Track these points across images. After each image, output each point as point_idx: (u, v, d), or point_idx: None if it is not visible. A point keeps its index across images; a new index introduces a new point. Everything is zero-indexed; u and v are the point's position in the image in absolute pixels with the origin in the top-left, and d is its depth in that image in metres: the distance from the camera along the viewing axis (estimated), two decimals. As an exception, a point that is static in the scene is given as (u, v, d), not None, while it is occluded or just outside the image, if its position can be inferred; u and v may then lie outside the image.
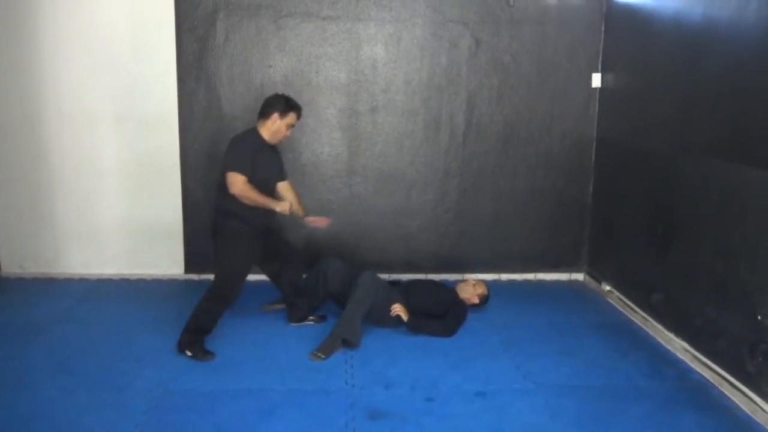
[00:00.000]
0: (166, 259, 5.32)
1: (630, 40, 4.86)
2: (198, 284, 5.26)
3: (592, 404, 3.44)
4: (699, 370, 3.81)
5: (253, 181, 3.95)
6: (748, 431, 3.23)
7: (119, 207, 5.22)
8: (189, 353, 3.87)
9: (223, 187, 3.98)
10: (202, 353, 3.89)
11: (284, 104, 4.06)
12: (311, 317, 4.43)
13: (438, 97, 5.25)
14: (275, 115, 4.03)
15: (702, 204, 3.85)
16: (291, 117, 4.09)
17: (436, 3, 5.11)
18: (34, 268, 5.27)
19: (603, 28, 5.22)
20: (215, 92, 5.11)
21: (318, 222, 4.39)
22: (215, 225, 4.09)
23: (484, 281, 4.82)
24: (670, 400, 3.50)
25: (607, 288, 5.07)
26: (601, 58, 5.26)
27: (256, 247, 4.14)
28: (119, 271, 5.32)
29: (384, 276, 5.20)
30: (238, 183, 3.89)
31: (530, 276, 5.57)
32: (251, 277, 5.34)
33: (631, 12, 4.78)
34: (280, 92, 4.27)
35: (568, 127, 5.36)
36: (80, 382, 3.55)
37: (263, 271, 4.52)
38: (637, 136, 4.69)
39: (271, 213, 4.09)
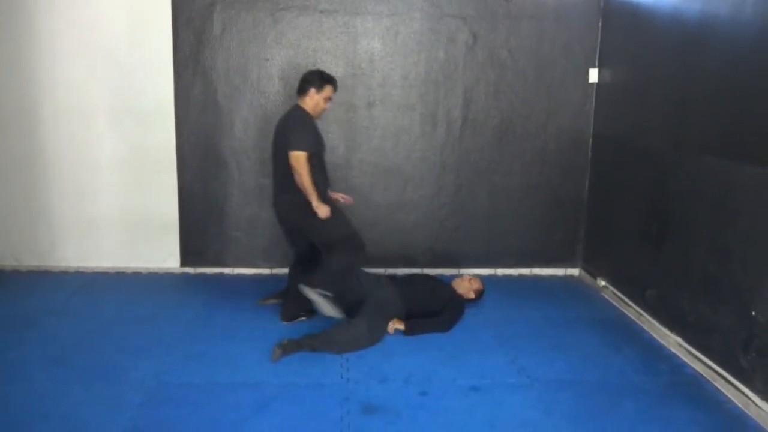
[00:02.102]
0: (162, 252, 5.32)
1: (627, 36, 4.86)
2: (194, 278, 5.27)
3: (586, 399, 3.45)
4: (693, 365, 3.83)
5: (316, 156, 4.15)
6: (740, 425, 3.24)
7: (115, 200, 5.21)
8: (324, 292, 4.09)
9: (286, 166, 4.10)
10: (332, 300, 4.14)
11: (319, 78, 4.22)
12: (302, 314, 4.41)
13: (435, 91, 5.25)
14: (312, 90, 4.19)
15: (697, 200, 3.86)
16: (328, 90, 4.24)
17: (433, -3, 5.11)
18: (29, 260, 5.27)
19: (600, 24, 5.22)
20: (212, 85, 5.10)
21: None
22: (289, 203, 4.21)
23: (479, 276, 4.82)
24: (663, 395, 3.51)
25: (602, 283, 5.08)
26: (598, 54, 5.26)
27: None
28: (115, 264, 5.31)
29: (380, 270, 5.23)
30: (301, 159, 4.03)
31: (525, 271, 5.58)
32: (248, 271, 5.39)
33: (629, 8, 4.78)
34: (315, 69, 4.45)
35: (564, 123, 5.36)
36: (75, 375, 3.55)
37: (293, 245, 4.57)
38: (633, 132, 4.70)
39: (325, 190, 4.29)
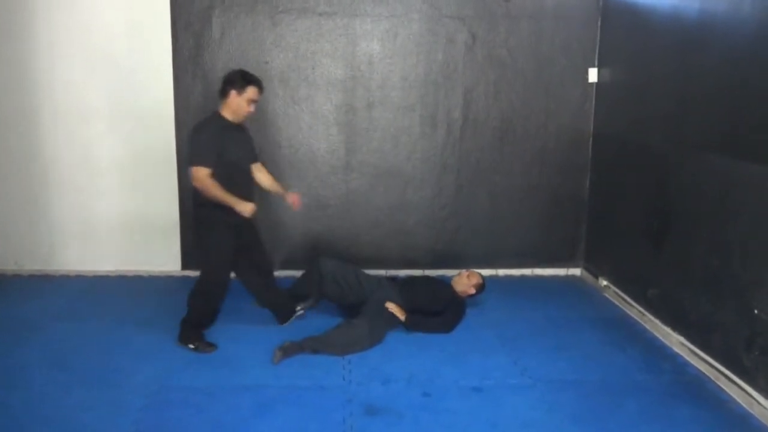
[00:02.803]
0: (162, 255, 5.31)
1: (627, 35, 4.85)
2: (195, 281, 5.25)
3: (588, 399, 3.45)
4: (695, 364, 3.82)
5: (222, 166, 3.76)
6: (744, 424, 3.23)
7: (115, 203, 5.21)
8: (191, 346, 3.92)
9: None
10: (204, 344, 3.94)
11: (240, 80, 3.82)
12: (297, 309, 4.34)
13: (434, 92, 5.24)
14: (233, 93, 3.81)
15: (698, 199, 3.85)
16: (250, 92, 3.83)
17: (432, -2, 5.11)
18: (29, 265, 5.26)
19: (599, 23, 5.21)
20: (211, 88, 5.08)
21: (295, 200, 4.25)
22: (195, 217, 3.97)
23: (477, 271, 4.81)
24: (666, 394, 3.51)
25: (604, 283, 5.08)
26: (597, 53, 5.26)
27: (232, 238, 3.92)
28: (116, 267, 5.31)
29: (381, 272, 5.23)
30: (200, 177, 3.70)
31: (527, 271, 5.58)
32: (248, 274, 5.37)
33: (628, 6, 4.78)
34: (237, 69, 4.03)
35: (564, 122, 5.36)
36: (76, 379, 3.55)
37: (231, 269, 4.17)
38: (633, 131, 4.69)
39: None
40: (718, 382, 3.60)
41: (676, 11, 4.10)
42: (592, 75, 5.27)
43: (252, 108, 3.91)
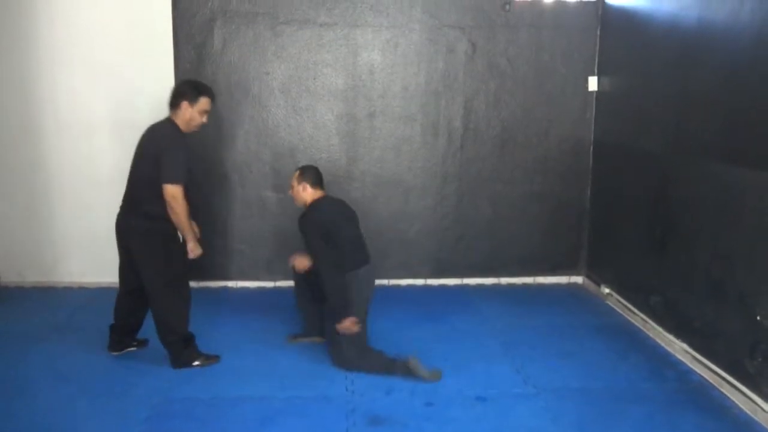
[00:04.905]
0: (165, 266, 5.30)
1: (626, 44, 4.88)
2: (197, 292, 5.23)
3: (592, 407, 3.44)
4: (699, 372, 3.81)
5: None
6: (748, 431, 3.24)
7: (118, 215, 5.21)
8: (196, 363, 3.86)
9: (147, 188, 3.61)
10: (207, 358, 3.90)
11: (193, 90, 3.73)
12: (134, 343, 4.10)
13: (435, 102, 5.26)
14: (185, 104, 3.69)
15: (700, 206, 3.86)
16: (203, 103, 3.73)
17: (432, 8, 5.13)
18: (32, 276, 5.27)
19: (599, 32, 5.24)
20: (213, 99, 5.10)
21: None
22: (145, 231, 3.67)
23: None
24: (670, 402, 3.50)
25: (607, 290, 5.07)
26: (597, 62, 5.28)
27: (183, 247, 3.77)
28: (118, 279, 5.29)
29: (383, 282, 5.23)
30: (178, 196, 3.54)
31: (529, 279, 5.57)
32: (252, 284, 5.39)
33: (627, 15, 4.80)
34: (190, 79, 3.81)
35: (565, 130, 5.37)
36: (80, 390, 3.55)
37: (123, 275, 3.93)
38: (634, 139, 4.71)
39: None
40: (722, 389, 3.60)
41: (675, 20, 4.12)
42: (592, 83, 5.29)
43: (204, 119, 3.79)
